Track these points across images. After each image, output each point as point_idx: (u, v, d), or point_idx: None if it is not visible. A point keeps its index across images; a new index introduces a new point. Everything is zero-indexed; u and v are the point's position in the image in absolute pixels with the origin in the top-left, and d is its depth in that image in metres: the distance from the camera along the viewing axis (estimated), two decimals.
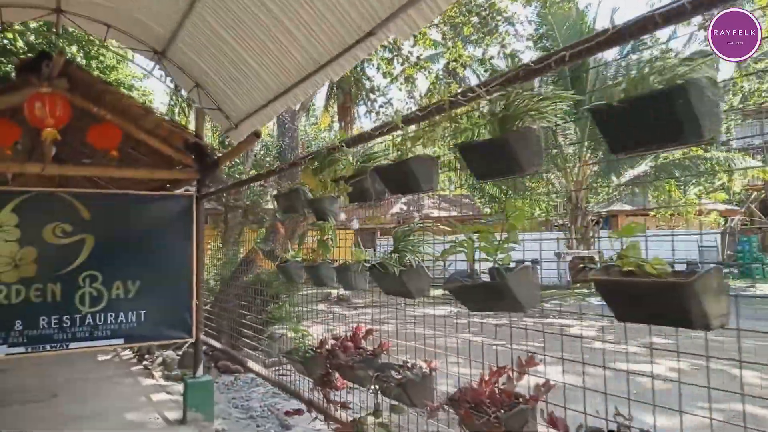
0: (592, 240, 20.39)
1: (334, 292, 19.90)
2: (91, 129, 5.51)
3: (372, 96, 21.43)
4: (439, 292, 2.97)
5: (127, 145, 6.01)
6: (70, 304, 5.48)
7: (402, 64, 16.71)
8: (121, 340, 5.70)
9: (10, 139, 5.22)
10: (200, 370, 6.12)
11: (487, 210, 25.21)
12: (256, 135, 4.77)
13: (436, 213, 26.15)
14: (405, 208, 28.13)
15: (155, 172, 5.91)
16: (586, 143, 19.40)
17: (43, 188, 5.49)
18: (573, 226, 20.71)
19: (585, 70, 17.96)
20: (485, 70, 22.15)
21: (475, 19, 17.22)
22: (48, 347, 5.37)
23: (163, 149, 5.84)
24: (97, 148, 5.60)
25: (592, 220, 21.33)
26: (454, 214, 26.16)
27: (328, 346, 3.52)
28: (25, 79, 5.10)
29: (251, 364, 7.26)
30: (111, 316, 5.65)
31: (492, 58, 19.97)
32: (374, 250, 26.97)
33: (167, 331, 5.93)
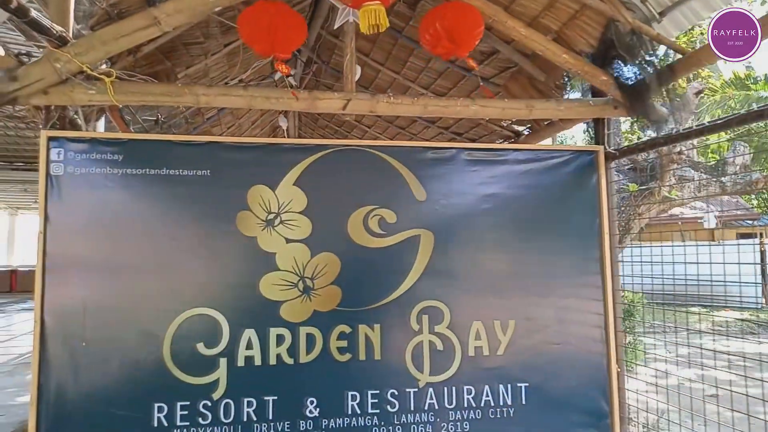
0: None
1: None
2: (429, 17, 2.75)
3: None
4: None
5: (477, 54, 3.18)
6: (397, 366, 2.75)
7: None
8: None
9: (290, 44, 2.67)
10: None
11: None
12: None
13: (689, 213, 20.58)
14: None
15: (543, 105, 2.93)
16: None
17: (348, 142, 2.82)
18: None
19: None
20: None
21: None
22: None
23: (549, 54, 2.86)
24: (436, 54, 2.83)
25: None
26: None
27: None
28: None
29: None
30: (469, 393, 2.80)
31: None
32: None
33: (564, 423, 2.91)
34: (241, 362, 2.60)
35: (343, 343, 2.71)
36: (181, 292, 2.60)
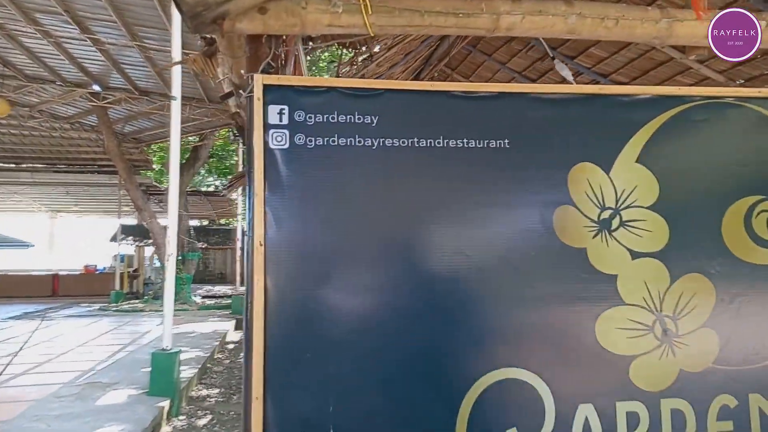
0: None
1: None
2: None
3: None
4: None
5: None
6: None
7: None
8: None
9: None
10: None
11: None
12: None
13: None
14: None
15: None
16: None
17: (716, 91, 1.73)
18: None
19: None
20: None
21: None
22: None
23: None
24: None
25: None
26: None
27: None
28: None
29: None
30: None
31: None
32: None
33: None
34: None
35: (728, 426, 1.63)
36: (477, 341, 1.56)
